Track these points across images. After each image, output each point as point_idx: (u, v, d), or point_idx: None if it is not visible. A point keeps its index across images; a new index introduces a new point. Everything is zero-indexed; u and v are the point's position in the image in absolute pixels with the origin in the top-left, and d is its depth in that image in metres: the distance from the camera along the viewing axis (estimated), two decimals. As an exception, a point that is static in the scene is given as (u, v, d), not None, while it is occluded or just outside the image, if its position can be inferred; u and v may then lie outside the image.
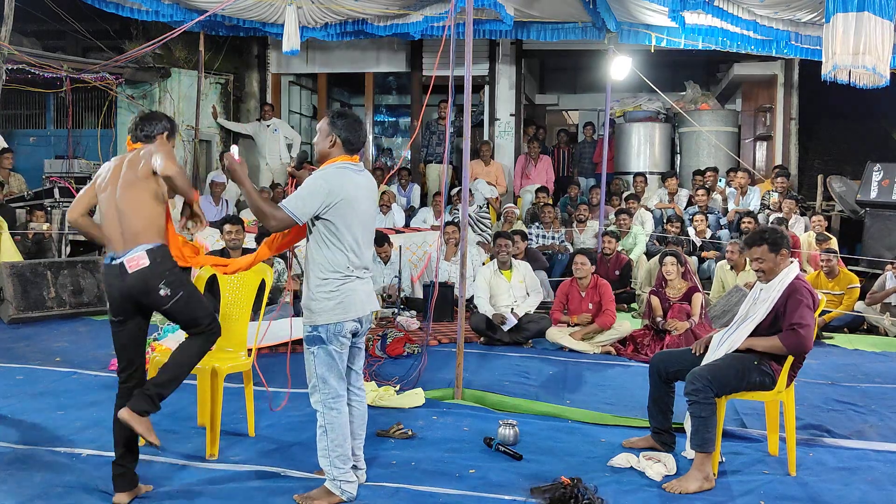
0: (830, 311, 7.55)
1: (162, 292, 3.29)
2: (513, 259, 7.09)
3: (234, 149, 3.47)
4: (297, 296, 6.26)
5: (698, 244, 9.05)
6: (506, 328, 6.69)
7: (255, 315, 4.37)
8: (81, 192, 3.54)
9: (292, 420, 4.47)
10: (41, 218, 8.50)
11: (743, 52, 8.31)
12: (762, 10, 7.00)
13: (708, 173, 10.16)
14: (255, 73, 12.11)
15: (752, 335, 3.86)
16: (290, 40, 8.10)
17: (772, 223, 8.51)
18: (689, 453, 3.84)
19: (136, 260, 3.26)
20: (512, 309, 6.80)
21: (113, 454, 3.39)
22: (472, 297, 7.71)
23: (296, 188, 3.41)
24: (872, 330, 7.70)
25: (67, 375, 5.39)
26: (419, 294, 8.25)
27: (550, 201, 9.96)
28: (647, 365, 4.26)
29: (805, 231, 9.01)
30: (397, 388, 5.05)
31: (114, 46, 10.47)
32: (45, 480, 3.52)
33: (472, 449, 4.08)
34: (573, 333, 6.63)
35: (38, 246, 8.42)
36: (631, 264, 8.74)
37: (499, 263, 6.99)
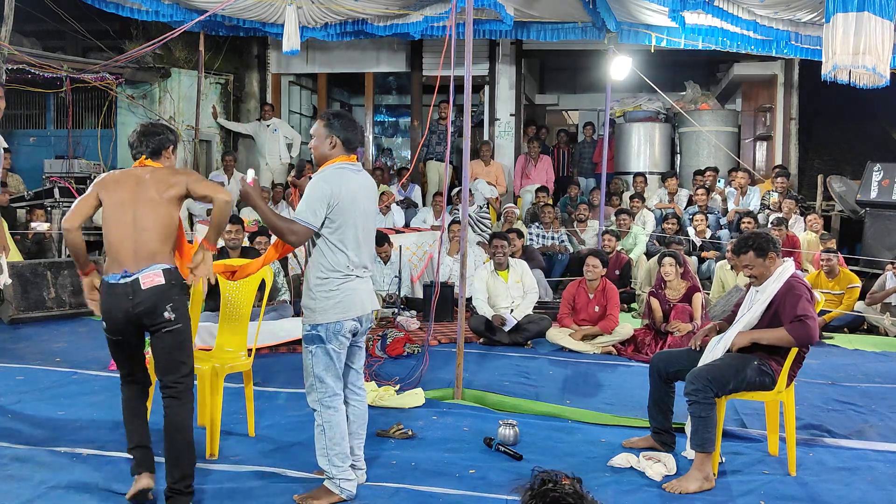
0: (830, 311, 7.55)
1: (166, 315, 3.24)
2: (509, 258, 7.08)
3: (251, 172, 3.43)
4: (298, 295, 6.26)
5: (698, 244, 9.05)
6: (506, 329, 6.68)
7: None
8: (80, 201, 3.38)
9: (292, 420, 4.47)
10: (41, 218, 8.50)
11: (743, 52, 8.31)
12: (762, 10, 7.00)
13: (708, 173, 10.16)
14: (255, 73, 12.11)
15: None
16: (290, 40, 8.09)
17: (772, 223, 8.52)
18: (690, 453, 3.84)
19: (152, 277, 3.22)
20: (511, 310, 6.80)
21: (113, 454, 3.39)
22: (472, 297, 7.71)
23: (299, 197, 3.42)
24: (873, 330, 7.70)
25: (67, 375, 5.39)
26: (419, 294, 8.25)
27: (550, 201, 9.96)
28: (648, 365, 4.26)
29: (804, 231, 9.01)
30: (397, 388, 5.05)
31: (114, 46, 10.47)
32: (45, 480, 3.52)
33: (472, 449, 4.08)
34: (573, 334, 6.63)
35: (38, 246, 8.42)
36: (631, 264, 8.75)
37: (495, 265, 6.98)
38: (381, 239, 7.91)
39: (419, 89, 11.86)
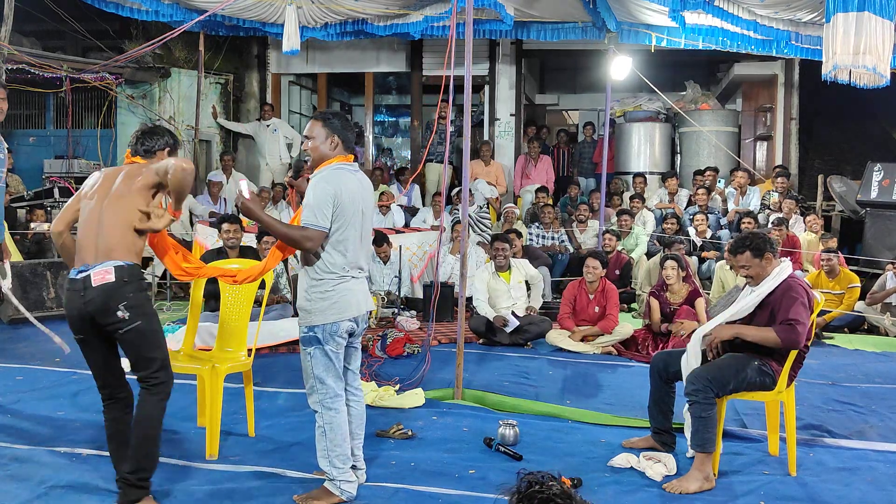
0: (831, 311, 7.55)
1: (119, 314, 3.12)
2: (511, 259, 7.07)
3: (244, 185, 3.33)
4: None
5: (698, 244, 9.05)
6: (508, 330, 6.67)
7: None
8: (67, 203, 3.40)
9: (292, 420, 4.47)
10: (41, 218, 8.50)
11: (743, 51, 8.30)
12: (762, 9, 6.99)
13: (707, 173, 10.16)
14: (255, 73, 12.11)
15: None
16: (290, 40, 8.09)
17: (772, 223, 8.51)
18: (690, 453, 3.84)
19: (103, 274, 3.12)
20: (513, 311, 6.80)
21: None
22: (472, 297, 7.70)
23: (300, 196, 3.39)
24: (873, 330, 7.70)
25: (67, 375, 5.39)
26: (419, 294, 8.25)
27: (550, 201, 9.96)
28: (647, 365, 4.26)
29: (804, 231, 9.01)
30: (397, 388, 5.05)
31: (114, 46, 10.47)
32: (44, 480, 3.52)
33: (472, 449, 4.08)
34: (572, 335, 6.63)
35: (38, 246, 8.42)
36: (631, 263, 8.75)
37: (496, 267, 6.97)
38: (381, 239, 7.91)
39: (419, 89, 11.86)
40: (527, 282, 7.09)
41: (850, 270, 8.05)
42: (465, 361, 5.22)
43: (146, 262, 7.87)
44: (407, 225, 9.70)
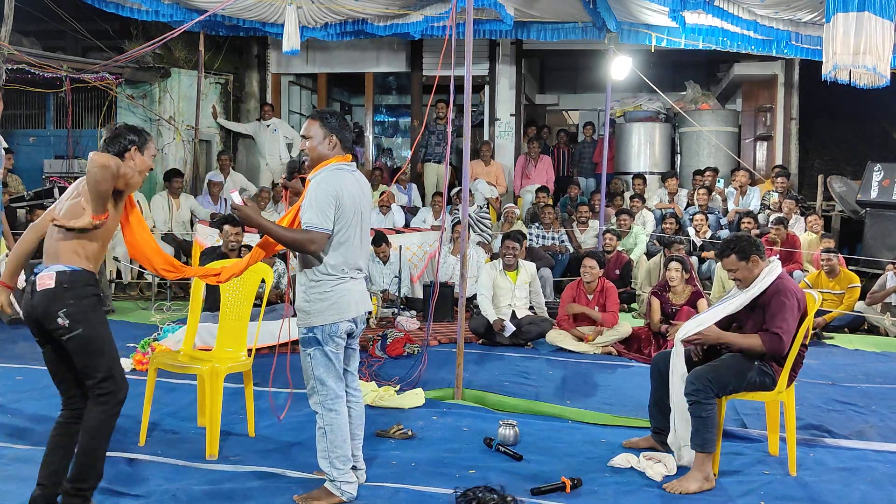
0: (831, 311, 7.55)
1: (59, 321, 3.04)
2: (520, 260, 7.07)
3: (235, 195, 3.30)
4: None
5: (698, 244, 9.05)
6: (505, 335, 6.67)
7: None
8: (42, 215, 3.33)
9: (292, 420, 4.46)
10: (41, 218, 8.48)
11: (743, 52, 8.30)
12: (762, 9, 6.99)
13: (707, 173, 10.16)
14: (255, 73, 12.11)
15: (736, 332, 3.88)
16: (290, 40, 8.09)
17: (772, 223, 8.51)
18: (683, 458, 3.84)
19: (45, 279, 3.07)
20: (513, 312, 6.80)
21: (112, 454, 3.38)
22: (474, 295, 7.70)
23: (294, 197, 3.38)
24: (873, 330, 7.70)
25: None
26: (419, 294, 8.25)
27: (550, 201, 9.96)
28: (648, 365, 4.26)
29: (804, 231, 9.01)
30: (397, 388, 5.05)
31: (114, 46, 10.46)
32: (44, 480, 3.51)
33: (472, 449, 4.08)
34: (573, 332, 6.63)
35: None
36: (631, 263, 8.75)
37: (504, 265, 6.97)
38: (381, 239, 7.91)
39: (419, 89, 11.86)
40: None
41: (851, 270, 8.05)
42: (466, 361, 5.22)
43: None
44: (407, 225, 9.69)
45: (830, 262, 7.76)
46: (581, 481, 3.59)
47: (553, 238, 9.25)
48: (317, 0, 8.23)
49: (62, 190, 8.91)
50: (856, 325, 7.70)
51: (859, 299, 7.72)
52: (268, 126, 11.00)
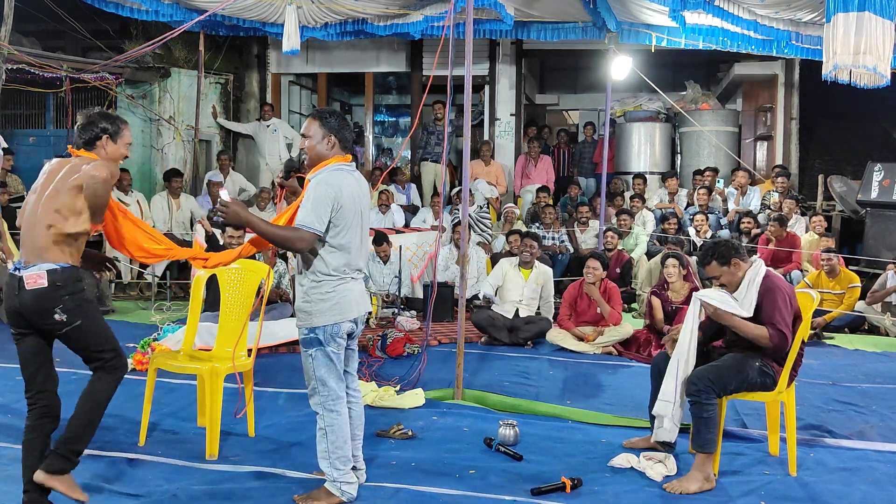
0: (831, 311, 7.54)
1: (57, 317, 3.07)
2: (536, 261, 7.08)
3: (224, 193, 3.28)
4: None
5: (698, 244, 9.04)
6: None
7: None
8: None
9: (292, 420, 4.47)
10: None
11: (743, 51, 8.30)
12: (763, 9, 6.99)
13: (707, 173, 10.16)
14: (255, 73, 12.10)
15: (729, 336, 3.90)
16: (290, 40, 8.09)
17: (772, 223, 8.50)
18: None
19: (35, 279, 3.04)
20: (517, 311, 6.80)
21: (113, 454, 3.38)
22: (473, 296, 7.71)
23: (291, 196, 3.37)
24: (873, 330, 7.69)
25: (67, 375, 5.33)
26: (419, 294, 8.25)
27: (551, 201, 9.96)
28: (648, 365, 4.26)
29: (806, 232, 9.01)
30: (397, 388, 5.05)
31: (114, 46, 10.46)
32: (44, 481, 3.50)
33: (472, 449, 4.08)
34: (574, 332, 6.63)
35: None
36: (632, 262, 8.75)
37: (521, 262, 6.98)
38: (381, 238, 7.91)
39: (419, 89, 11.85)
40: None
41: (851, 270, 8.05)
42: (466, 361, 5.22)
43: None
44: (407, 225, 9.69)
45: (830, 262, 7.76)
46: (581, 481, 3.59)
47: (553, 238, 9.24)
48: (317, 0, 8.23)
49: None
50: (856, 325, 7.70)
51: (859, 299, 7.71)
52: (268, 126, 11.00)
